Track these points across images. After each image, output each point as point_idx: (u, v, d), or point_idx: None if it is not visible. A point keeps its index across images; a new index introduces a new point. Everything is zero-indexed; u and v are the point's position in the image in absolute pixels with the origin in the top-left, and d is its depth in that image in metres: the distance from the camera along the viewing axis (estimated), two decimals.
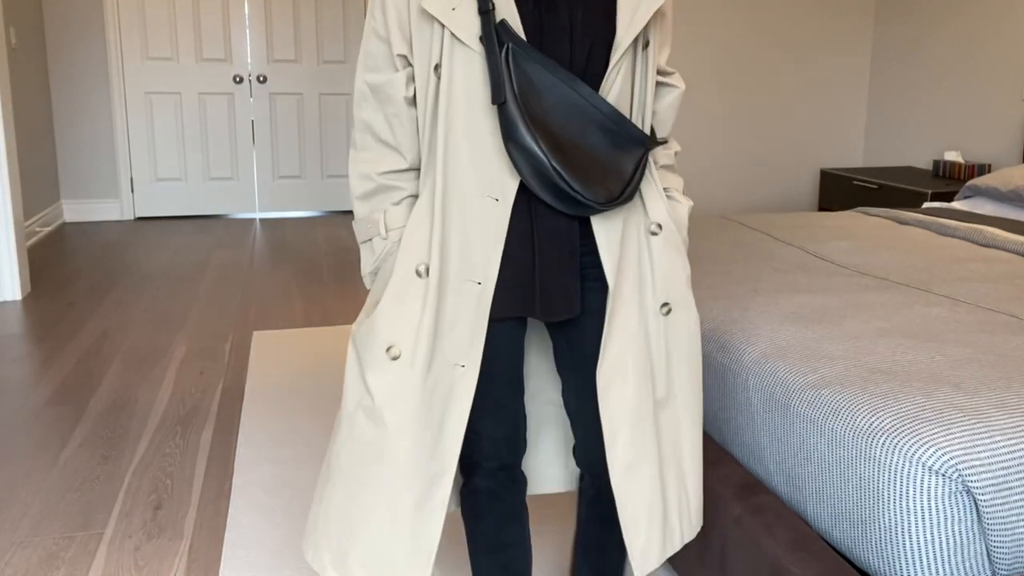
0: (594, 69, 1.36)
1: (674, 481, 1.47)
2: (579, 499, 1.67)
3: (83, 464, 2.58)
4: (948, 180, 4.63)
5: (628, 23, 1.33)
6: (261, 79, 6.28)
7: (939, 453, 1.36)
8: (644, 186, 1.44)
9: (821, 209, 5.21)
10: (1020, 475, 1.38)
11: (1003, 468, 1.37)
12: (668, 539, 1.46)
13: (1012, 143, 4.54)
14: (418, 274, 1.38)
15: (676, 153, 1.55)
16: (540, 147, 1.29)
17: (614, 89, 1.35)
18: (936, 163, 4.77)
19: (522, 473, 1.60)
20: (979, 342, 1.77)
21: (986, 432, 1.40)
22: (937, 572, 1.37)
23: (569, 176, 1.30)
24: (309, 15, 6.27)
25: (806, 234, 2.85)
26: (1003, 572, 1.39)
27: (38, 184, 5.61)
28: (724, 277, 2.30)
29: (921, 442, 1.38)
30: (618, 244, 1.40)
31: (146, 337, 3.72)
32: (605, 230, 1.40)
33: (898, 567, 1.39)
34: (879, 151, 5.60)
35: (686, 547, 1.82)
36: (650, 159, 1.44)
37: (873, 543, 1.43)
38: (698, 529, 1.53)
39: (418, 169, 1.44)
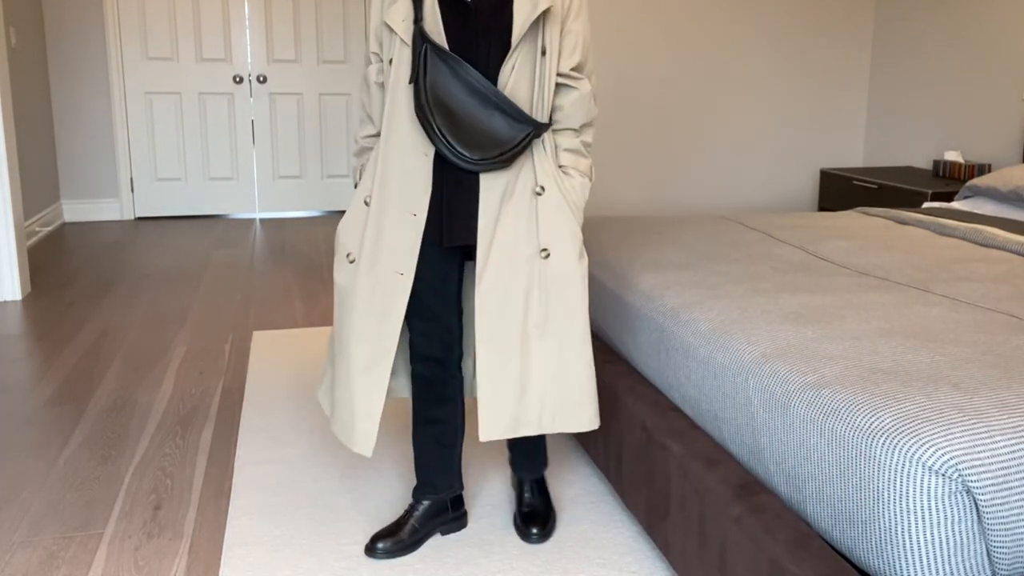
0: (498, 66, 1.87)
1: (538, 389, 1.93)
2: None
3: (83, 464, 2.58)
4: (948, 180, 4.63)
5: (517, 33, 1.83)
6: (261, 79, 6.28)
7: (939, 453, 1.36)
8: (538, 160, 1.91)
9: (821, 209, 5.21)
10: (1020, 475, 1.38)
11: (1003, 468, 1.37)
12: (520, 426, 1.93)
13: (1012, 143, 4.54)
14: (365, 203, 1.97)
15: (586, 144, 1.99)
16: (429, 113, 1.81)
17: (510, 81, 1.85)
18: (936, 163, 4.77)
19: (459, 370, 2.11)
20: (979, 342, 1.77)
21: (986, 432, 1.40)
22: (937, 572, 1.37)
23: (450, 137, 1.81)
24: (309, 15, 6.27)
25: (806, 234, 2.85)
26: (1003, 572, 1.39)
27: (38, 184, 5.61)
28: (724, 277, 2.30)
29: (921, 442, 1.38)
30: (498, 201, 1.90)
31: (146, 337, 3.72)
32: (488, 188, 1.90)
33: (898, 567, 1.39)
34: (879, 151, 5.60)
35: (686, 547, 1.82)
36: (548, 140, 1.93)
37: (873, 543, 1.43)
38: (577, 429, 1.96)
39: None
